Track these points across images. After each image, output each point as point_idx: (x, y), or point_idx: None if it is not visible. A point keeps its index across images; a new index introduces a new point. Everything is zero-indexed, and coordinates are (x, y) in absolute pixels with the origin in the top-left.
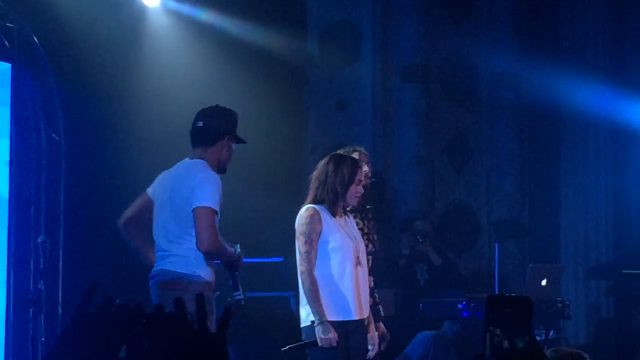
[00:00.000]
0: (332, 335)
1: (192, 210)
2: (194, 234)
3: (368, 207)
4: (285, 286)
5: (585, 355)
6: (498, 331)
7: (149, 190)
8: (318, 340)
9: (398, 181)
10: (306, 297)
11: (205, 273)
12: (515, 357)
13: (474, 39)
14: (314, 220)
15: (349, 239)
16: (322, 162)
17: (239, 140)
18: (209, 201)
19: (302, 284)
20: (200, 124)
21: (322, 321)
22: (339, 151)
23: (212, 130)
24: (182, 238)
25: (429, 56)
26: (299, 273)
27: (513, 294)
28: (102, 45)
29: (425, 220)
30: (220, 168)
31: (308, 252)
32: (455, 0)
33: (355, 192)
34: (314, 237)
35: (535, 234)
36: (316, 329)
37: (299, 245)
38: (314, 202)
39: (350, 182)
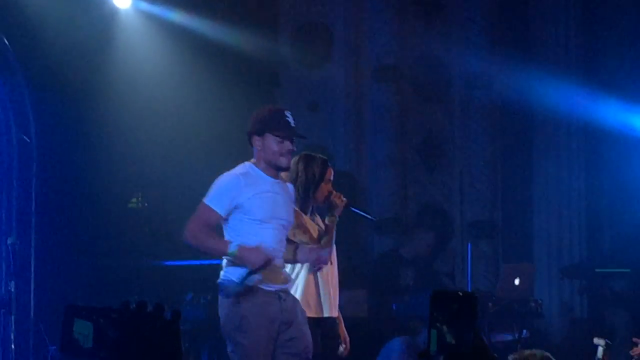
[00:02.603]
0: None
1: None
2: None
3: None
4: None
5: (550, 356)
6: (445, 328)
7: None
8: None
9: (371, 181)
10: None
11: (234, 275)
12: (460, 352)
13: (446, 39)
14: None
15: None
16: (292, 161)
17: (278, 134)
18: (206, 196)
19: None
20: None
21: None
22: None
23: (248, 135)
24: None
25: (401, 56)
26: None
27: (458, 290)
28: (73, 46)
29: (428, 230)
30: (273, 167)
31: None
32: (427, 1)
33: (325, 190)
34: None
35: (508, 234)
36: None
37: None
38: None
39: (320, 180)
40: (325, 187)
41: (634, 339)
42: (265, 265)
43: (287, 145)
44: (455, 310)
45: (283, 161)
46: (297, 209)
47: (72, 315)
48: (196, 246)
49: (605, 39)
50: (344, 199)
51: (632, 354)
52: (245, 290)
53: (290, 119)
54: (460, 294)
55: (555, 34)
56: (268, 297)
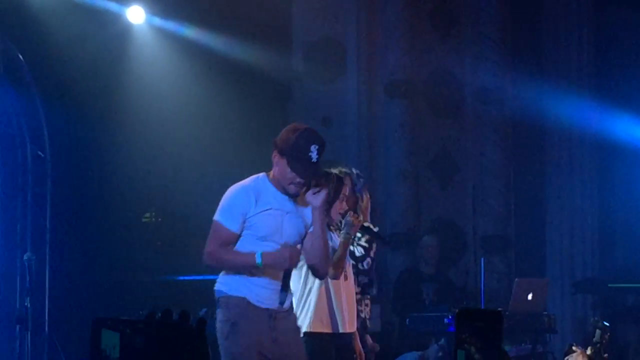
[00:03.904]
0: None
1: None
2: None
3: (367, 224)
4: None
5: None
6: (473, 349)
7: None
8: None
9: (383, 196)
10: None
11: (229, 288)
12: None
13: (458, 54)
14: None
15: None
16: None
17: (292, 166)
18: (217, 213)
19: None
20: None
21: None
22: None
23: (273, 142)
24: None
25: (414, 71)
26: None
27: (483, 308)
28: (87, 62)
29: (432, 236)
30: (281, 188)
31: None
32: (440, 16)
33: (339, 208)
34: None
35: (520, 249)
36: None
37: None
38: None
39: (335, 198)
40: (339, 205)
41: None
42: (293, 260)
43: (299, 179)
44: (481, 329)
45: (292, 189)
46: None
47: (100, 326)
48: (219, 267)
49: (617, 54)
50: (360, 218)
51: None
52: (236, 301)
53: (314, 154)
54: (486, 312)
55: (568, 49)
56: (258, 311)
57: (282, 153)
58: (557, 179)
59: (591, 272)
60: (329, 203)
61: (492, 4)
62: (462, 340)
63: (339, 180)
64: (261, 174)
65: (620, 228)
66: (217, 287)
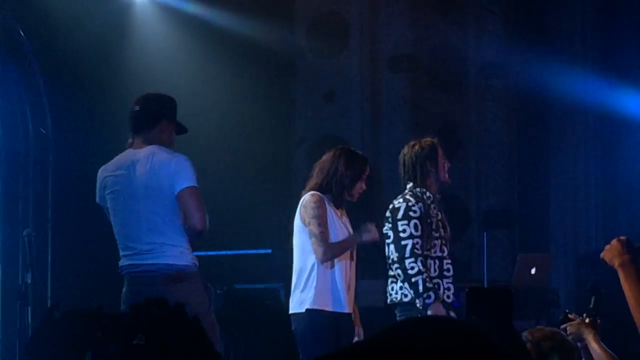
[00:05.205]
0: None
1: (179, 193)
2: (176, 222)
3: (439, 196)
4: (274, 278)
5: (562, 333)
6: (484, 327)
7: (99, 193)
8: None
9: (387, 171)
10: (342, 253)
11: (196, 261)
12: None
13: (461, 29)
14: (322, 204)
15: (347, 232)
16: (331, 153)
17: (179, 128)
18: (193, 181)
19: (333, 257)
20: (137, 108)
21: (359, 235)
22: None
23: (149, 114)
24: (166, 227)
25: (417, 46)
26: (320, 256)
27: (493, 287)
28: (89, 38)
29: None
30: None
31: (322, 233)
32: None
33: (360, 188)
34: (325, 219)
35: (524, 223)
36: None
37: (312, 228)
38: (317, 190)
39: (359, 178)
40: (360, 185)
41: None
42: None
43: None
44: (492, 308)
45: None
46: (323, 197)
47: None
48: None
49: (621, 27)
50: (377, 233)
51: None
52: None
53: None
54: (496, 290)
55: (572, 23)
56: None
57: (170, 119)
58: (561, 153)
59: (595, 246)
60: (352, 181)
61: None
62: (472, 319)
63: (364, 159)
64: (157, 146)
65: (624, 202)
66: (190, 261)
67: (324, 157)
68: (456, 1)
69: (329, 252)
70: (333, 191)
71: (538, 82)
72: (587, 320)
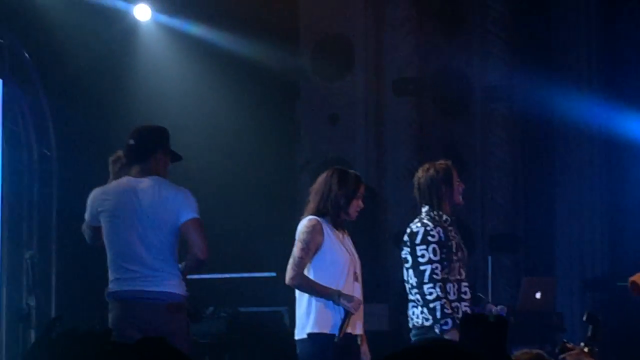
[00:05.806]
0: (355, 298)
1: (183, 224)
2: (175, 253)
3: (454, 217)
4: (278, 301)
5: (544, 355)
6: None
7: (92, 212)
8: (350, 310)
9: (391, 194)
10: (308, 292)
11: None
12: None
13: (466, 52)
14: (315, 230)
15: (347, 253)
16: (324, 175)
17: (174, 156)
18: (196, 212)
19: (298, 286)
20: (132, 142)
21: (339, 294)
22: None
23: (144, 146)
24: (169, 256)
25: (422, 69)
26: (287, 279)
27: (488, 314)
28: (93, 60)
29: None
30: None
31: (302, 259)
32: (448, 13)
33: (357, 206)
34: (311, 246)
35: (529, 247)
36: (341, 303)
37: (295, 250)
38: (316, 214)
39: (354, 196)
40: (356, 203)
41: None
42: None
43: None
44: (486, 336)
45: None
46: (321, 221)
47: None
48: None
49: (627, 51)
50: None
51: None
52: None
53: None
54: (491, 319)
55: (577, 46)
56: None
57: (165, 150)
58: (566, 177)
59: (600, 270)
60: (347, 200)
61: (499, 0)
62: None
63: (357, 177)
64: (158, 177)
65: (630, 226)
66: (185, 291)
67: (318, 180)
68: (462, 24)
69: (297, 279)
70: (330, 212)
71: (543, 105)
72: (585, 350)
